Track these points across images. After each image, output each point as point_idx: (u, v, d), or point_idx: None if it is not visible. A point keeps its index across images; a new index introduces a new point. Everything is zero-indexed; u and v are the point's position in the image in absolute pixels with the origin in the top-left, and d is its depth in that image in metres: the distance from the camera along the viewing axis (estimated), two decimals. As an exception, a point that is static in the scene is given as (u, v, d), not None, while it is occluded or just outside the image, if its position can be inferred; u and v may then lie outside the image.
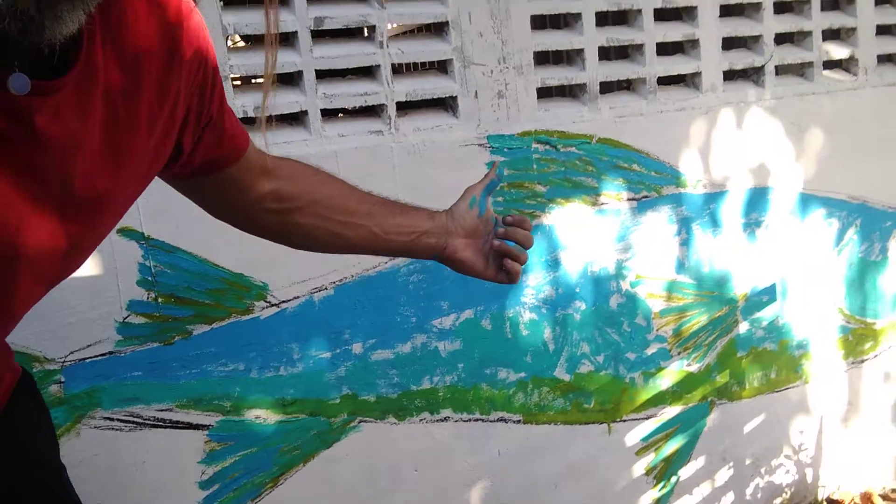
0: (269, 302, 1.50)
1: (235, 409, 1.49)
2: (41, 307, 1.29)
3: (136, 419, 1.42)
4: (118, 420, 1.41)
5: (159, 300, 1.41)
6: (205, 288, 1.45)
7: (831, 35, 2.06)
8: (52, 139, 0.68)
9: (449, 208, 1.07)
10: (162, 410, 1.43)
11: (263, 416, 1.51)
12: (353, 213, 1.01)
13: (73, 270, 0.81)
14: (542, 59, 1.74)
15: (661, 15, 1.85)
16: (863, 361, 2.15)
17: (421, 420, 1.64)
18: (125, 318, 1.39)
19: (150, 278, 1.41)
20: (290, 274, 1.51)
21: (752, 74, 1.96)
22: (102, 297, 1.38)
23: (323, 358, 1.55)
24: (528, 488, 1.75)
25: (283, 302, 1.51)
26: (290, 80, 1.51)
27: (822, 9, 2.02)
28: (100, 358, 1.38)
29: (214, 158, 0.89)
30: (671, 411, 1.90)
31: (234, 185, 0.93)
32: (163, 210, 1.39)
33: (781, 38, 1.99)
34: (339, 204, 1.01)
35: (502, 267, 1.06)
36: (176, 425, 1.45)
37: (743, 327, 1.97)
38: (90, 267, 1.37)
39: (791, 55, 1.99)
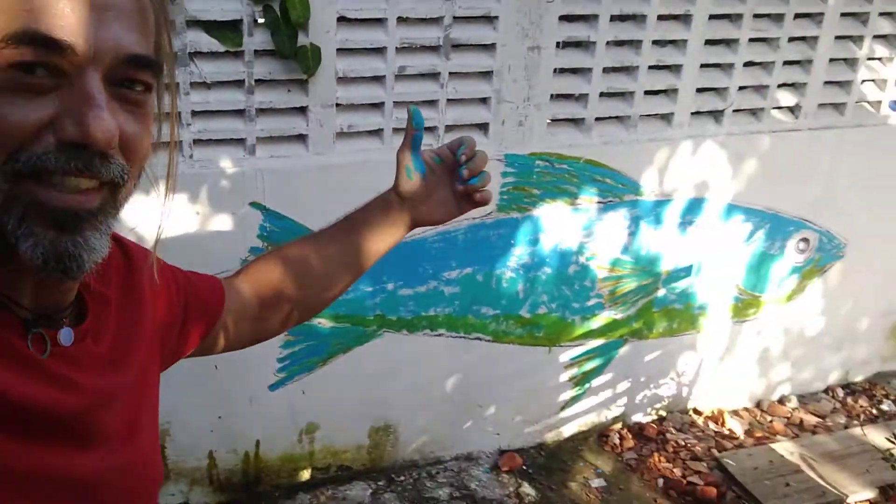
0: (338, 254, 2.21)
1: (306, 317, 2.26)
2: (197, 248, 2.02)
3: (244, 318, 2.18)
4: (234, 318, 2.17)
5: (269, 248, 2.13)
6: (298, 242, 2.16)
7: (786, 84, 2.64)
8: (95, 375, 0.77)
9: (393, 187, 1.09)
10: (261, 314, 2.20)
11: (323, 322, 2.28)
12: (328, 264, 1.10)
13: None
14: (558, 95, 2.34)
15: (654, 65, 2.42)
16: (744, 322, 2.94)
17: (424, 334, 2.42)
18: (246, 258, 2.11)
19: (265, 234, 2.11)
20: (354, 237, 2.21)
21: (714, 114, 2.56)
22: (234, 244, 2.09)
23: (367, 291, 2.29)
24: (488, 382, 2.58)
25: (347, 254, 2.23)
26: (375, 108, 2.13)
27: (784, 64, 2.58)
28: (227, 280, 2.12)
29: (209, 317, 1.02)
30: (596, 343, 2.70)
31: (235, 318, 1.05)
32: (278, 192, 2.07)
33: (743, 87, 2.57)
34: (313, 269, 1.10)
35: (471, 198, 1.09)
36: (268, 323, 2.22)
37: (661, 292, 2.73)
38: (228, 224, 2.06)
39: (748, 101, 2.58)
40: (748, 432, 2.97)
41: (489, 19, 2.16)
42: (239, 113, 2.02)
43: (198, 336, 1.02)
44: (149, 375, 0.90)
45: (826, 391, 3.22)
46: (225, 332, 1.06)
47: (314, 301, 1.12)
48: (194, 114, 1.97)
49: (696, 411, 3.02)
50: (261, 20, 1.92)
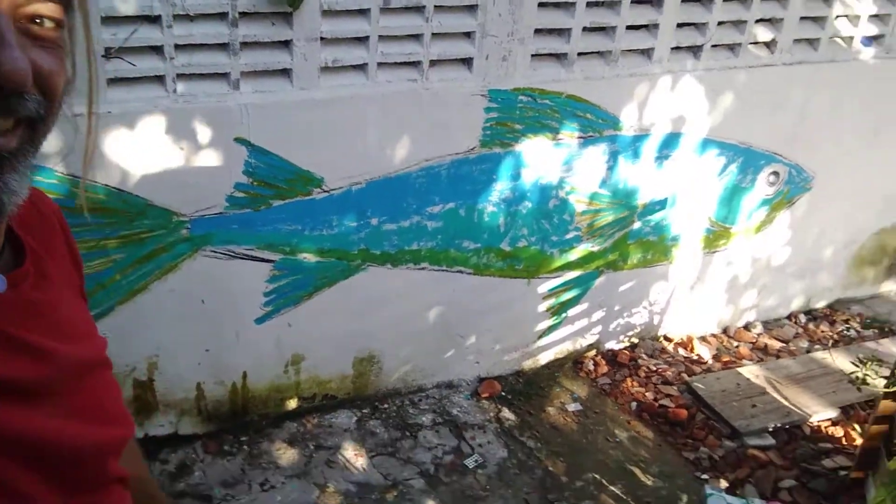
0: (323, 189, 2.23)
1: (292, 252, 2.28)
2: (182, 183, 2.02)
3: (231, 253, 2.20)
4: (221, 253, 2.19)
5: (254, 183, 2.13)
6: (284, 178, 2.16)
7: (763, 20, 2.66)
8: (38, 315, 0.76)
9: None
10: (248, 249, 2.22)
11: (309, 257, 2.31)
12: None
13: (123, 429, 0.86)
14: (541, 30, 2.33)
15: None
16: (715, 252, 3.03)
17: (407, 268, 2.47)
18: (232, 193, 2.12)
19: (250, 169, 2.11)
20: (339, 172, 2.22)
21: (693, 49, 2.58)
22: (220, 179, 2.09)
23: (351, 226, 2.32)
24: (469, 313, 2.65)
25: (332, 190, 2.24)
26: (359, 42, 2.11)
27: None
28: (213, 215, 2.12)
29: None
30: (573, 274, 2.78)
31: None
32: (263, 127, 2.06)
33: (722, 22, 2.58)
34: None
35: None
36: (254, 258, 2.24)
37: (637, 225, 2.79)
38: (214, 159, 2.06)
39: (727, 37, 2.60)
40: (716, 357, 3.09)
41: (475, -49, 2.13)
42: (223, 47, 1.99)
43: None
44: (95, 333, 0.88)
45: (789, 317, 3.35)
46: None
47: None
48: (178, 47, 1.94)
49: (666, 338, 3.13)
50: (244, -49, 1.88)
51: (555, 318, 2.84)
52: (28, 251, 0.79)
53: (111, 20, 1.84)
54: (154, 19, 1.89)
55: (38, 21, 0.65)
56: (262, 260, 2.25)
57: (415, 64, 2.20)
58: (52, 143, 1.79)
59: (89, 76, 0.77)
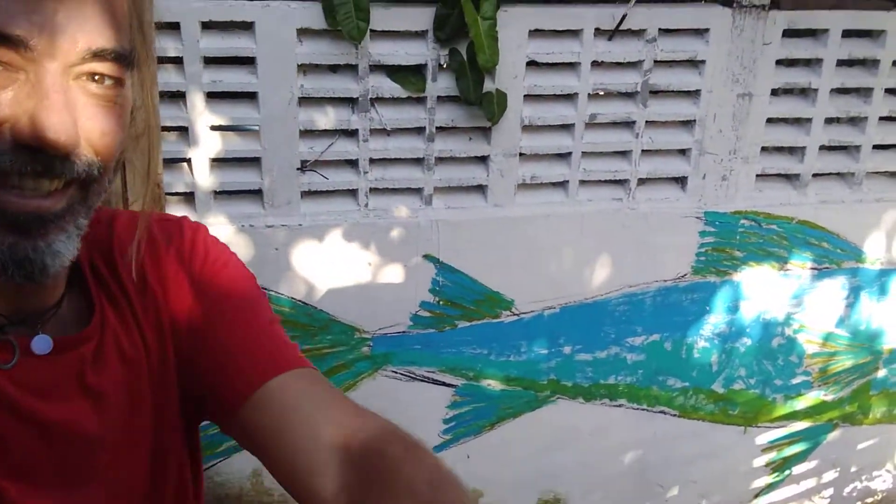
0: (513, 312, 2.06)
1: (476, 378, 2.11)
2: (367, 299, 1.92)
3: (411, 375, 2.07)
4: (401, 374, 2.07)
5: (440, 303, 2.01)
6: (472, 298, 2.03)
7: None
8: (75, 387, 0.71)
9: None
10: (429, 371, 2.08)
11: (493, 384, 2.13)
12: None
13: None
14: (769, 148, 2.07)
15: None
16: None
17: (601, 403, 2.21)
18: (416, 312, 2.01)
19: (437, 288, 2.00)
20: (531, 295, 2.05)
21: (960, 170, 2.18)
22: (405, 297, 1.99)
23: (541, 353, 2.12)
24: (671, 461, 2.32)
25: (522, 313, 2.07)
26: (560, 158, 1.96)
27: None
28: (396, 334, 2.02)
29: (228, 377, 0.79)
30: (800, 426, 2.37)
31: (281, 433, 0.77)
32: (454, 245, 1.95)
33: None
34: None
35: None
36: (436, 382, 2.10)
37: (882, 373, 2.35)
38: (400, 276, 1.97)
39: None
40: (984, 544, 2.50)
41: (694, 63, 1.94)
42: (417, 161, 1.92)
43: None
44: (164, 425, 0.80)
45: None
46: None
47: None
48: (372, 161, 1.89)
49: (918, 512, 2.59)
50: (445, 65, 1.82)
51: (776, 474, 2.42)
52: (97, 314, 0.73)
53: (308, 133, 1.83)
54: (351, 133, 1.86)
55: (96, 78, 0.64)
56: (444, 384, 2.10)
57: (620, 182, 2.01)
58: (242, 254, 1.77)
59: (149, 125, 0.81)
